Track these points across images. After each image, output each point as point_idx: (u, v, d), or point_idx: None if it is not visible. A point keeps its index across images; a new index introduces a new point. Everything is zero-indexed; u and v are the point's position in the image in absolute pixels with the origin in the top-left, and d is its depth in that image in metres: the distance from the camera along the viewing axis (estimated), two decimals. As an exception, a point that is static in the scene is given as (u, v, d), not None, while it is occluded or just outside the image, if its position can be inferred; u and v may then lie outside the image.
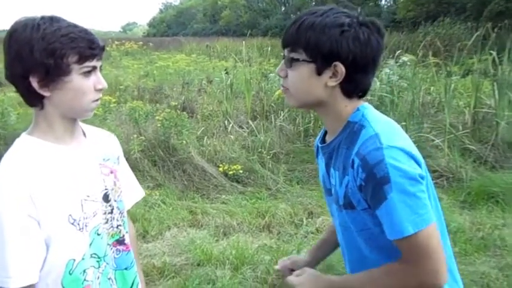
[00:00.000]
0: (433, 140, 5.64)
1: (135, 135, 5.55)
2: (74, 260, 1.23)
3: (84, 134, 1.36)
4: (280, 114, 6.71)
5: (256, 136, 6.08)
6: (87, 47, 1.18)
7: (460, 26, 13.39)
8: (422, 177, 1.14)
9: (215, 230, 4.04)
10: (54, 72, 1.16)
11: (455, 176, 5.08)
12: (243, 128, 6.64)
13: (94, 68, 1.23)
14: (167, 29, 64.84)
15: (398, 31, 21.21)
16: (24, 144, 1.23)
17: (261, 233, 4.01)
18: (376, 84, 6.64)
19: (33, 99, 1.21)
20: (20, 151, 1.21)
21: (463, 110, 6.49)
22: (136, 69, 11.43)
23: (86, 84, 1.21)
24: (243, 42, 11.25)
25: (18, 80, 1.19)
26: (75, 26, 1.20)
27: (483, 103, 6.42)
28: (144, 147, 5.52)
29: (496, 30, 8.36)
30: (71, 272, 1.22)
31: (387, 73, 6.65)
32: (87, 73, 1.21)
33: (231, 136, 6.13)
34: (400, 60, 7.10)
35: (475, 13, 19.99)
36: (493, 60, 6.59)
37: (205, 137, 5.97)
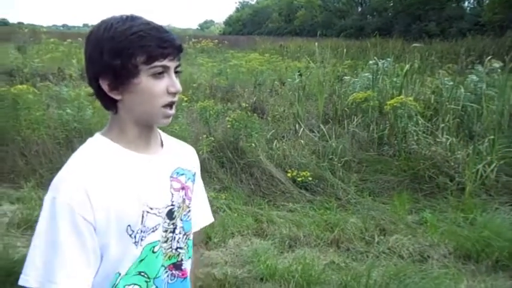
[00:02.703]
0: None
1: (204, 135, 5.49)
2: (120, 273, 1.10)
3: (162, 144, 1.23)
4: (354, 119, 6.40)
5: (328, 141, 5.82)
6: (156, 45, 1.06)
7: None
8: None
9: (280, 241, 3.84)
10: (122, 73, 1.06)
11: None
12: (313, 132, 6.39)
13: (166, 68, 1.09)
14: (242, 28, 65.36)
15: (483, 35, 20.01)
16: (95, 143, 1.14)
17: (329, 248, 3.75)
18: (460, 90, 6.16)
19: (107, 103, 1.13)
20: (89, 150, 1.12)
21: (559, 124, 5.87)
22: (210, 67, 11.51)
23: (156, 87, 1.09)
24: (316, 43, 10.96)
25: (92, 83, 1.11)
26: (148, 23, 1.08)
27: None
28: (213, 148, 5.44)
29: None
30: (114, 286, 1.10)
31: (473, 80, 6.13)
32: (158, 74, 1.08)
33: (301, 140, 5.91)
34: (490, 67, 6.52)
35: None
36: None
37: (275, 140, 5.79)
